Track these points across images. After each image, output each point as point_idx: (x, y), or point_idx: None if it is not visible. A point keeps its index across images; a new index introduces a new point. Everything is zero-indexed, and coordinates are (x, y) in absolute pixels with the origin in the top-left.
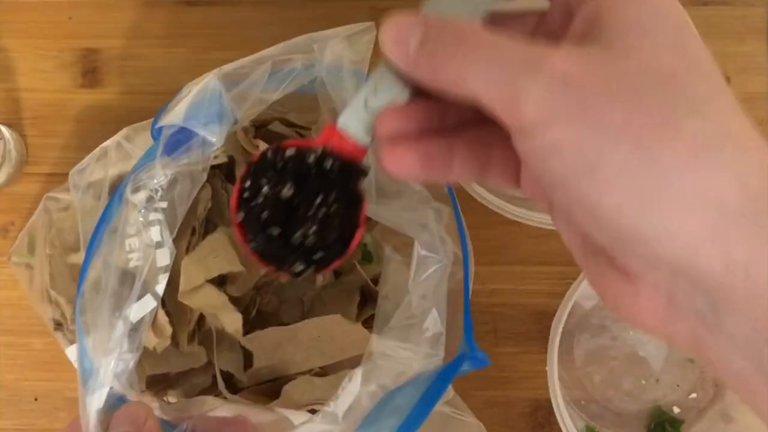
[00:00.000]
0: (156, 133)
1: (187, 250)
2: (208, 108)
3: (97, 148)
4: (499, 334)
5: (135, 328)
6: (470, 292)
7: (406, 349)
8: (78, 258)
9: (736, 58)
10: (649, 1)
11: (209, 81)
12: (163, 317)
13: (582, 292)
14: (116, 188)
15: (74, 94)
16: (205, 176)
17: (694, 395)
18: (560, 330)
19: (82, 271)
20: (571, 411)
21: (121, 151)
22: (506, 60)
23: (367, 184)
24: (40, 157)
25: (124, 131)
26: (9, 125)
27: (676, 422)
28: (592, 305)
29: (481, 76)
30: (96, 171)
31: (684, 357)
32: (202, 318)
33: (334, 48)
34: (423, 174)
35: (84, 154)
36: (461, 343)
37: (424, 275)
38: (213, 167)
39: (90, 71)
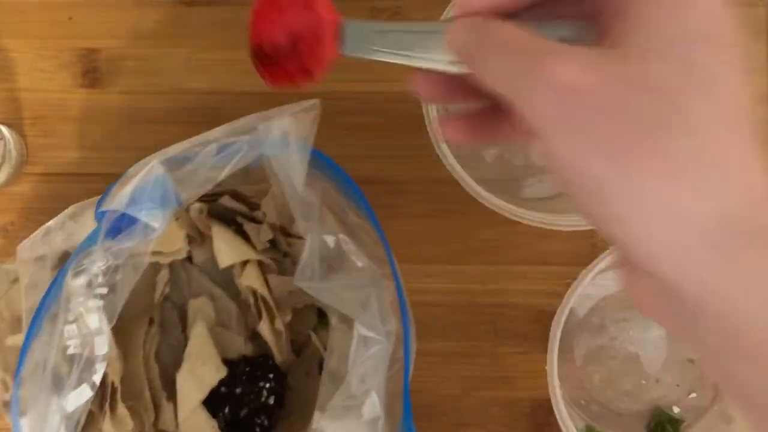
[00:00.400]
0: (100, 216)
1: (145, 342)
2: (152, 193)
3: (42, 227)
4: (499, 334)
5: (71, 418)
6: (410, 373)
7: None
8: (16, 340)
9: None
10: (683, 10)
11: (153, 166)
12: (123, 409)
13: (582, 293)
14: (59, 270)
15: (74, 94)
16: (147, 262)
17: (693, 395)
18: (560, 330)
19: (21, 355)
20: (570, 411)
21: (66, 230)
22: (514, 58)
23: (310, 261)
24: (40, 157)
25: (70, 209)
26: (9, 125)
27: (676, 422)
28: (592, 305)
29: (492, 73)
30: (41, 249)
31: (684, 357)
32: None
33: (281, 124)
34: (475, 140)
35: (84, 153)
36: (400, 427)
37: (363, 356)
38: None
39: (90, 71)
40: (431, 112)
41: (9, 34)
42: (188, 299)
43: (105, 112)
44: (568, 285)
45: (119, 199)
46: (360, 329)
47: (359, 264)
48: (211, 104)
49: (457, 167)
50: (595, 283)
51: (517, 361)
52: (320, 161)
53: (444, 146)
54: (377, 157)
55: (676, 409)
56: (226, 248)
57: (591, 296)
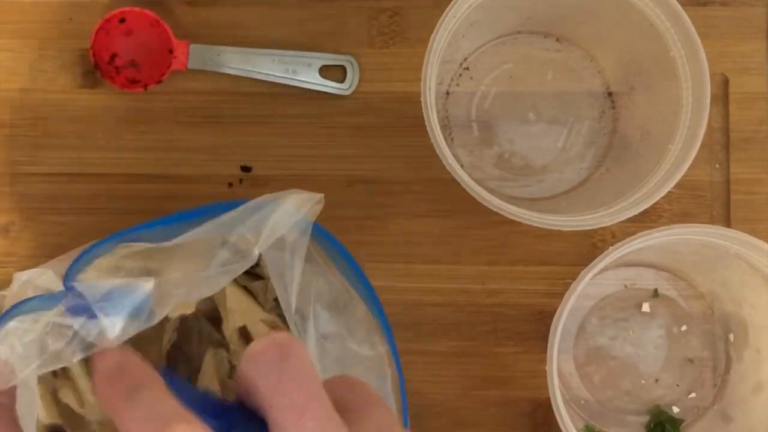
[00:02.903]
0: (67, 283)
1: None
2: (127, 302)
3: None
4: (499, 334)
5: None
6: None
7: None
8: None
9: (736, 58)
10: None
11: (146, 282)
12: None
13: (582, 292)
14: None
15: (74, 95)
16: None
17: (693, 395)
18: (560, 330)
19: None
20: (570, 411)
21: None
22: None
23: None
24: (40, 157)
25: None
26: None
27: (675, 422)
28: (592, 305)
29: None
30: None
31: (684, 357)
32: None
33: (277, 225)
34: None
35: (84, 153)
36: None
37: None
38: None
39: (90, 71)
40: (431, 113)
41: (9, 34)
42: (197, 347)
43: (105, 112)
44: (568, 285)
45: (93, 287)
46: None
47: (358, 351)
48: (211, 104)
49: (457, 167)
50: (595, 283)
51: (516, 361)
52: (324, 239)
53: (444, 146)
54: (377, 157)
55: (675, 409)
56: (237, 308)
57: (591, 296)
